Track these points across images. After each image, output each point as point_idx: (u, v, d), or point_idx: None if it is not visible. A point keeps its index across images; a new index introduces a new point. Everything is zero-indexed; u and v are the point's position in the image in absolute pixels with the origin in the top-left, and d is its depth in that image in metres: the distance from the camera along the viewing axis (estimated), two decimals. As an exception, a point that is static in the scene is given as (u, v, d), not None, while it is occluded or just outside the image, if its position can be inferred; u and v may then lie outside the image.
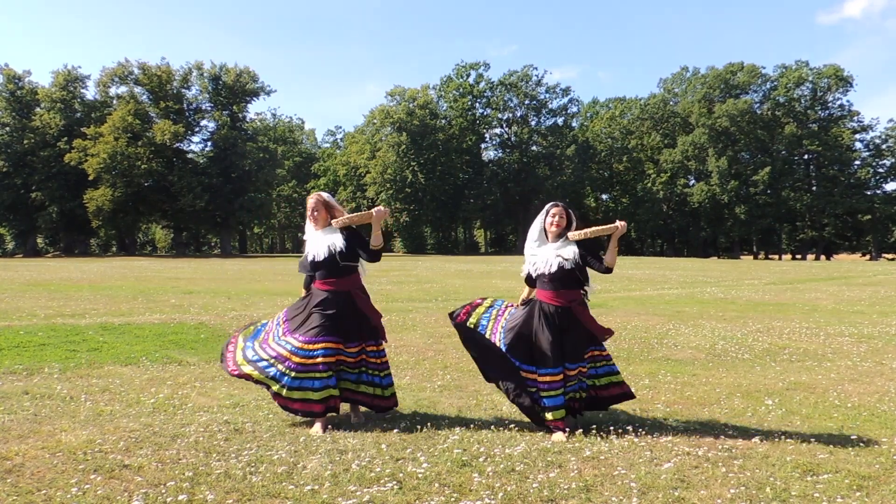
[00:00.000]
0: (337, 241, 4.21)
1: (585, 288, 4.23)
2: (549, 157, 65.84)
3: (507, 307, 4.49)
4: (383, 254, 4.42)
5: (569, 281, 4.13)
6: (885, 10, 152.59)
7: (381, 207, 4.19)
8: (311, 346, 4.07)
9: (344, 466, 3.37)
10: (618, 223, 4.07)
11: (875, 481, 3.25)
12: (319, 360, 4.05)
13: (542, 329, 4.11)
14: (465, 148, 67.40)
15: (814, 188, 60.92)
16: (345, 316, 4.17)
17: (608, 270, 4.16)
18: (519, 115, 68.35)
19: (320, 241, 4.26)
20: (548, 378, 4.06)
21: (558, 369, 4.06)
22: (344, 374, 4.27)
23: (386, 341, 4.45)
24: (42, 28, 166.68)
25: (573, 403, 4.20)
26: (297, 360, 4.05)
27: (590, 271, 4.24)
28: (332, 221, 4.29)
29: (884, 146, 60.25)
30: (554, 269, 4.10)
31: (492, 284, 18.10)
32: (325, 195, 4.37)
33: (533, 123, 68.29)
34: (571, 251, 4.12)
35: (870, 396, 5.15)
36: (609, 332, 4.29)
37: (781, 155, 60.78)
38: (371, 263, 4.38)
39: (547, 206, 4.27)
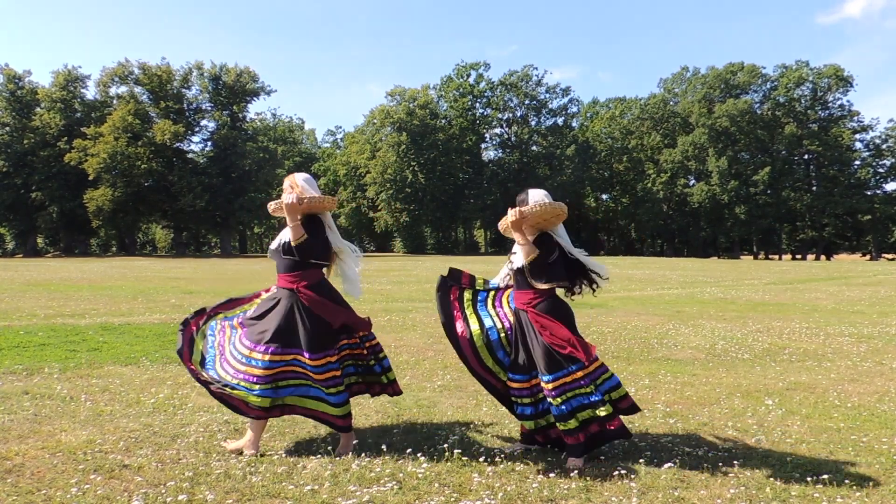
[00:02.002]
0: (284, 234, 3.78)
1: (541, 286, 3.66)
2: (549, 157, 65.86)
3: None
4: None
5: (520, 280, 3.76)
6: (884, 10, 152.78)
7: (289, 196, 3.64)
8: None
9: (344, 466, 3.37)
10: (509, 212, 3.68)
11: (875, 481, 3.26)
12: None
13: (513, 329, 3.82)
14: (465, 148, 67.42)
15: (814, 188, 60.93)
16: (289, 317, 3.71)
17: (528, 267, 3.67)
18: (519, 115, 68.37)
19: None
20: (514, 384, 3.75)
21: (520, 377, 3.70)
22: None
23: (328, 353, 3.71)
24: (42, 28, 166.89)
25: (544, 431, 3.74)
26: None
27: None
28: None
29: (884, 146, 60.28)
30: (513, 266, 3.79)
31: (492, 284, 18.07)
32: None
33: (533, 123, 68.31)
34: (516, 248, 3.76)
35: (870, 396, 5.14)
36: (575, 353, 3.51)
37: (781, 155, 60.80)
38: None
39: None
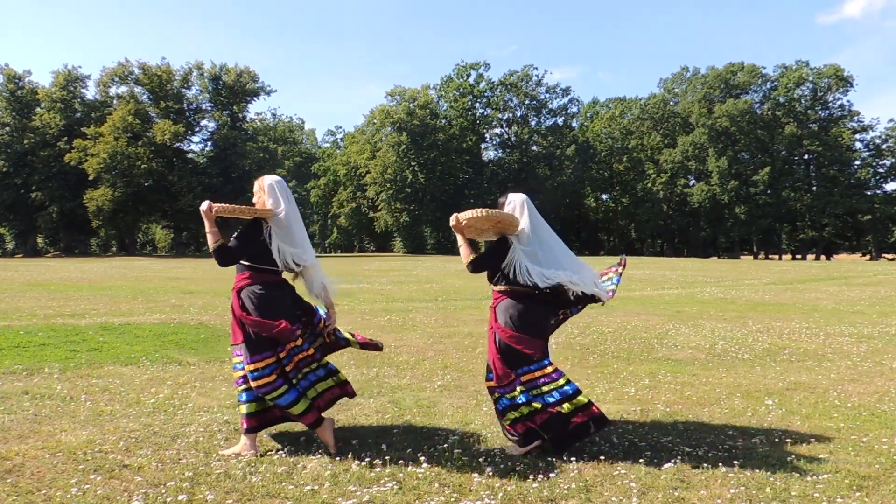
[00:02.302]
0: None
1: (493, 287, 3.84)
2: (549, 157, 65.87)
3: None
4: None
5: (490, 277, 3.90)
6: (884, 10, 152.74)
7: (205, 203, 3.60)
8: None
9: (344, 466, 3.37)
10: (450, 216, 3.85)
11: (875, 481, 3.25)
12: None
13: None
14: (465, 148, 67.43)
15: (814, 188, 60.93)
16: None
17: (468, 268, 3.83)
18: (519, 115, 68.38)
19: None
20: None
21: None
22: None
23: (247, 361, 3.62)
24: (42, 28, 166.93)
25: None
26: None
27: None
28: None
29: (884, 146, 60.28)
30: None
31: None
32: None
33: (533, 123, 68.32)
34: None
35: (870, 396, 5.14)
36: (502, 369, 3.68)
37: (781, 155, 60.80)
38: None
39: None
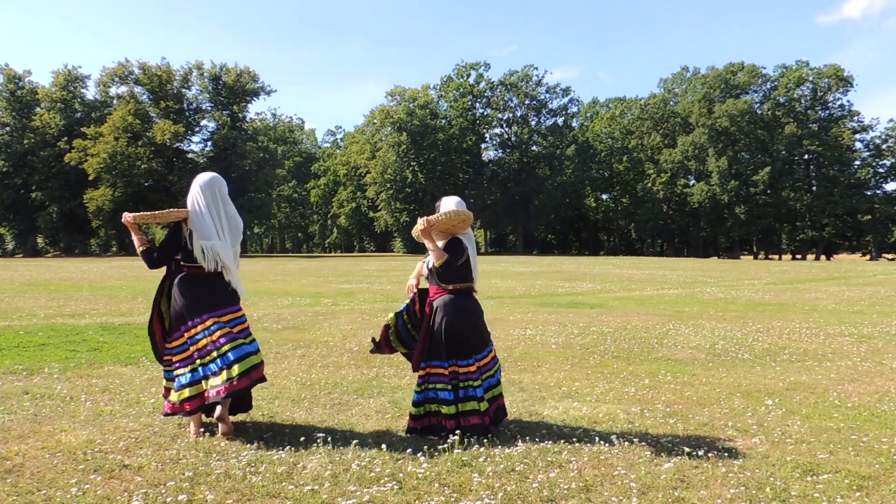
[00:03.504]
0: None
1: (448, 285, 4.03)
2: (549, 157, 65.87)
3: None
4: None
5: (430, 277, 4.15)
6: (884, 10, 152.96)
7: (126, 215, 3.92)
8: None
9: (344, 466, 3.37)
10: (419, 221, 3.96)
11: (875, 481, 3.26)
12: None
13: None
14: (465, 148, 67.43)
15: (814, 188, 60.91)
16: None
17: (437, 269, 3.97)
18: (519, 115, 68.42)
19: None
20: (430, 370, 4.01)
21: (427, 363, 4.00)
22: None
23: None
24: (42, 28, 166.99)
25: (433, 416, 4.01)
26: None
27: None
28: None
29: (884, 146, 60.22)
30: (428, 265, 4.16)
31: (491, 284, 18.12)
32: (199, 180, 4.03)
33: (533, 123, 68.34)
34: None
35: (870, 396, 5.14)
36: (415, 363, 4.02)
37: (781, 155, 60.76)
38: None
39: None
